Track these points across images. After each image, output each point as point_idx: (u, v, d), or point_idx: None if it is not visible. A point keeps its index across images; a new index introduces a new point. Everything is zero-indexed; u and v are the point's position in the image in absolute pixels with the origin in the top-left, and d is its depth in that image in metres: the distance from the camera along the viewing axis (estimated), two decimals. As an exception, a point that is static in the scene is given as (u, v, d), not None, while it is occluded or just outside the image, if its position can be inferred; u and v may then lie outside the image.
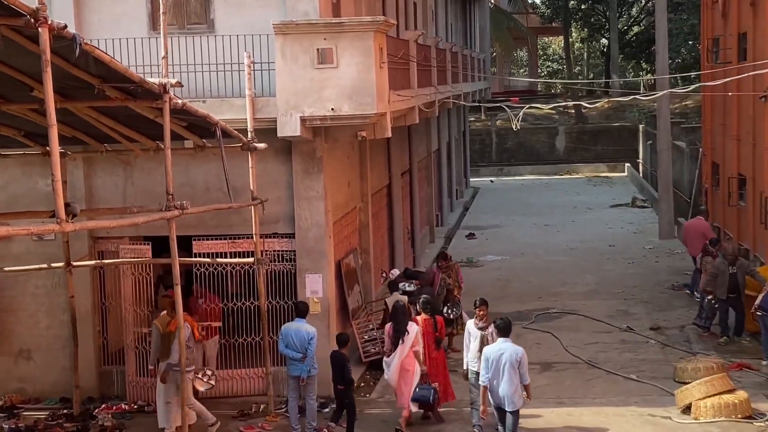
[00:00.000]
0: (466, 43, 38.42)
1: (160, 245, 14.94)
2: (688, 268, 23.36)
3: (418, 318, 14.08)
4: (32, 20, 7.89)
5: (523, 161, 48.93)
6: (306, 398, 13.57)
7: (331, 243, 15.33)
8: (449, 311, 17.09)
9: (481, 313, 13.09)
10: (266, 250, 14.77)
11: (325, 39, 13.73)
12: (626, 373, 15.79)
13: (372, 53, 13.78)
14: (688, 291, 20.79)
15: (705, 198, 27.24)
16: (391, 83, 15.33)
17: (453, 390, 14.30)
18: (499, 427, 12.29)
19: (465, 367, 13.31)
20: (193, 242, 14.82)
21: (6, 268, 14.60)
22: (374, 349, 16.38)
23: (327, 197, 15.00)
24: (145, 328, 14.98)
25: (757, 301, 15.89)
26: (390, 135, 15.41)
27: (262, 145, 13.94)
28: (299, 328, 13.54)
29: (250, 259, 14.29)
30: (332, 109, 13.87)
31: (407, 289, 16.38)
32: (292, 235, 15.02)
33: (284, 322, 14.18)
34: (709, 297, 17.40)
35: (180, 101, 11.28)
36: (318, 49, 13.73)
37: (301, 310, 13.79)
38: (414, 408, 13.64)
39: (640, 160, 44.13)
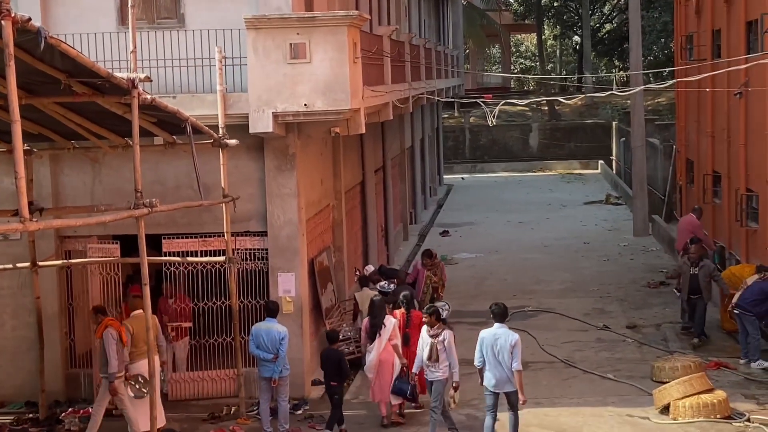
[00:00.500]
0: (439, 39, 38.22)
1: (129, 244, 14.61)
2: (664, 265, 23.36)
3: (396, 312, 14.06)
4: (-6, 13, 7.59)
5: (496, 158, 48.85)
6: (278, 400, 13.32)
7: (304, 241, 15.08)
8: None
9: (430, 320, 12.76)
10: (238, 249, 14.51)
11: (298, 34, 13.50)
12: (603, 372, 15.65)
13: (346, 48, 13.57)
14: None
15: (680, 195, 27.23)
16: (365, 79, 15.11)
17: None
18: (488, 413, 12.30)
19: (414, 371, 13.21)
20: (163, 241, 14.52)
21: (-30, 269, 14.22)
22: (348, 348, 16.12)
23: (300, 195, 14.75)
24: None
25: (735, 299, 15.81)
26: (364, 131, 15.18)
27: (233, 142, 13.66)
28: (270, 328, 13.29)
29: (222, 258, 14.01)
30: (305, 104, 13.65)
31: (386, 289, 16.14)
32: (264, 234, 14.76)
33: (256, 322, 13.91)
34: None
35: (149, 96, 10.98)
36: (291, 44, 13.51)
37: (272, 310, 13.54)
38: (396, 401, 13.62)
39: (614, 157, 44.20)
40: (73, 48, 9.54)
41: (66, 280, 15.04)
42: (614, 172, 42.33)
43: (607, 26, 60.02)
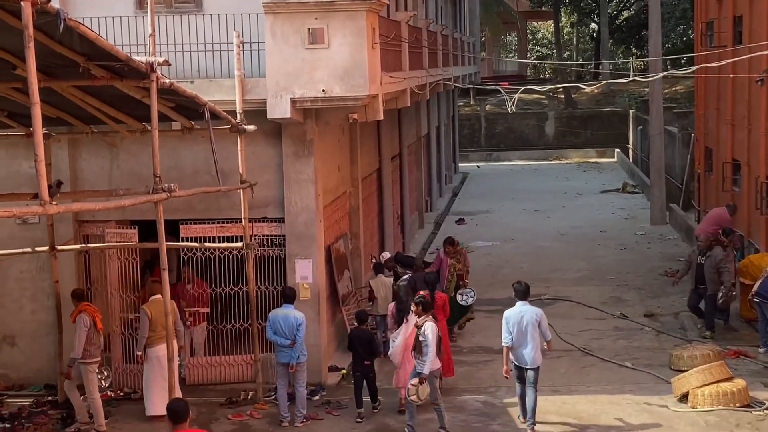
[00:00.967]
0: (456, 26, 38.05)
1: (147, 229, 14.62)
2: (681, 254, 23.18)
3: (420, 293, 13.95)
4: (14, -6, 7.56)
5: (512, 146, 48.69)
6: (295, 386, 13.32)
7: (321, 228, 15.04)
8: (464, 297, 16.76)
9: (417, 311, 12.79)
10: (255, 235, 14.48)
11: (316, 18, 13.42)
12: (621, 360, 15.58)
13: (364, 33, 13.48)
14: None
15: (698, 184, 27.04)
16: (383, 65, 15.03)
17: (454, 367, 14.46)
18: (518, 385, 12.83)
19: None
20: (181, 226, 14.51)
21: (-11, 253, 14.25)
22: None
23: (317, 181, 14.70)
24: (131, 314, 14.69)
25: (755, 288, 15.68)
26: (382, 118, 15.11)
27: (251, 127, 13.61)
28: (287, 314, 13.28)
29: (239, 244, 13.99)
30: (323, 90, 13.58)
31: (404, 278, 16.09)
32: (281, 220, 14.72)
33: (273, 308, 13.89)
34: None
35: (167, 80, 10.93)
36: (309, 29, 13.42)
37: (289, 296, 13.52)
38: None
39: (630, 146, 43.96)
40: (92, 31, 9.50)
41: (84, 265, 15.06)
42: (631, 160, 42.10)
43: (625, 13, 59.59)
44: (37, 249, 14.14)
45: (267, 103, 13.66)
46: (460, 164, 43.23)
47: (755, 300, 15.64)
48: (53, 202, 8.12)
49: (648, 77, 20.26)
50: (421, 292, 13.96)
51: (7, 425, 13.22)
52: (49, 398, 14.31)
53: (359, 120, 14.86)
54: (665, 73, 22.77)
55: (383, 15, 16.42)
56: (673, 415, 13.09)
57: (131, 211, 14.60)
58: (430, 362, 12.37)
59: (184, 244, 14.34)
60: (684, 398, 13.38)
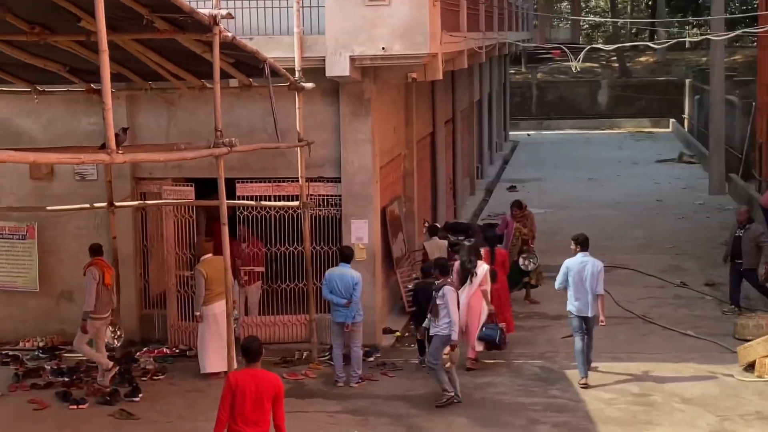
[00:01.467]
0: (510, -10, 37.48)
1: (202, 188, 14.58)
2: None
3: (481, 250, 14.20)
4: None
5: (563, 115, 48.07)
6: (351, 346, 13.23)
7: (378, 188, 14.88)
8: (526, 262, 16.54)
9: (436, 275, 12.69)
10: (311, 195, 14.35)
11: (377, -26, 13.18)
12: (683, 329, 15.28)
13: (426, -10, 13.22)
14: None
15: (758, 154, 26.43)
16: (443, 24, 14.76)
17: (513, 322, 14.78)
18: (576, 335, 12.92)
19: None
20: (237, 184, 14.42)
21: (48, 208, 14.29)
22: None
23: (375, 141, 14.53)
24: (186, 272, 14.68)
25: None
26: (441, 77, 14.87)
27: (309, 85, 13.46)
28: (344, 273, 13.16)
29: (296, 203, 13.89)
30: (383, 48, 13.36)
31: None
32: (337, 180, 14.58)
33: (328, 269, 13.78)
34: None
35: (230, 35, 10.78)
36: (370, -15, 13.19)
37: (347, 255, 13.39)
38: (480, 347, 13.57)
39: (686, 116, 43.18)
40: (157, -19, 9.39)
41: (141, 222, 15.07)
42: (686, 130, 41.36)
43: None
44: (96, 205, 14.16)
45: (326, 61, 13.48)
46: (510, 132, 42.80)
47: None
48: (119, 151, 8.01)
49: (727, 34, 19.44)
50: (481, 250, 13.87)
51: (66, 379, 13.31)
52: (107, 353, 14.35)
53: (418, 79, 14.63)
54: (733, 33, 21.83)
55: (443, -27, 16.12)
56: (739, 384, 12.80)
57: (188, 168, 14.60)
58: (456, 325, 12.18)
59: (241, 202, 14.27)
60: (750, 367, 13.05)
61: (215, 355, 13.17)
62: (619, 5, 68.21)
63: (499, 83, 38.08)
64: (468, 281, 13.38)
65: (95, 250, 13.37)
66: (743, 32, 22.82)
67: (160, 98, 14.43)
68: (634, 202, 26.79)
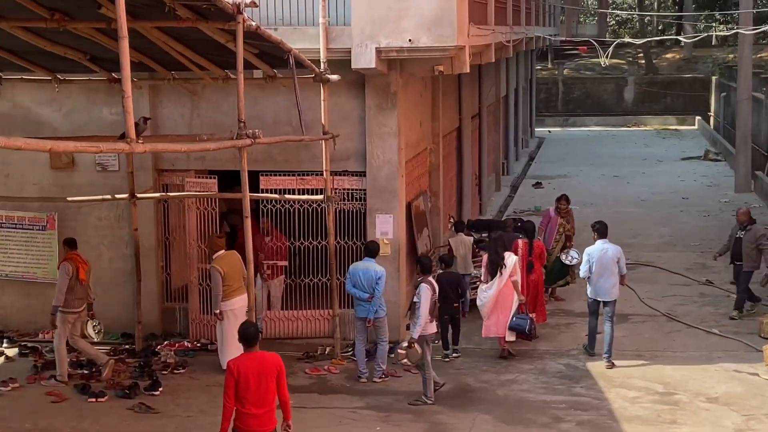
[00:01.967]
0: (537, -15, 37.17)
1: (224, 181, 14.47)
2: (767, 222, 22.37)
3: (519, 241, 14.33)
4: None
5: (589, 112, 47.71)
6: (377, 340, 13.08)
7: (403, 183, 14.71)
8: (567, 258, 16.23)
9: (417, 270, 12.87)
10: (335, 188, 14.21)
11: (404, -35, 13.00)
12: (707, 327, 15.04)
13: (453, -19, 13.02)
14: None
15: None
16: (470, 16, 14.56)
17: (546, 313, 15.04)
18: (591, 318, 13.68)
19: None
20: (261, 177, 14.30)
21: (69, 198, 14.22)
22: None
23: (400, 135, 14.36)
24: (209, 265, 14.55)
25: None
26: (468, 71, 14.64)
27: (335, 77, 13.29)
28: (367, 267, 13.01)
29: (320, 197, 13.75)
30: (410, 40, 13.18)
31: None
32: (362, 173, 14.42)
33: (352, 263, 13.63)
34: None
35: (254, 24, 10.65)
36: (397, -24, 13.01)
37: (372, 250, 13.22)
38: (510, 337, 13.59)
39: (712, 113, 42.72)
40: (180, -31, 9.26)
41: (163, 214, 14.97)
42: (712, 128, 40.91)
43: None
44: (117, 196, 14.08)
45: (351, 53, 13.31)
46: (536, 129, 42.50)
47: None
48: (140, 141, 7.89)
49: (756, 28, 19.07)
50: (519, 242, 14.30)
51: (86, 371, 13.23)
52: (126, 346, 14.31)
53: (444, 72, 14.42)
54: (765, 27, 21.30)
55: (470, -35, 15.92)
56: (765, 383, 12.56)
57: (211, 160, 14.49)
58: (420, 326, 11.99)
59: (265, 195, 14.14)
60: (776, 367, 12.86)
61: (236, 350, 12.94)
62: (646, 2, 67.68)
63: (526, 79, 37.79)
64: (498, 273, 13.40)
65: (70, 244, 13.19)
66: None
67: (182, 88, 14.32)
68: (660, 199, 26.51)
